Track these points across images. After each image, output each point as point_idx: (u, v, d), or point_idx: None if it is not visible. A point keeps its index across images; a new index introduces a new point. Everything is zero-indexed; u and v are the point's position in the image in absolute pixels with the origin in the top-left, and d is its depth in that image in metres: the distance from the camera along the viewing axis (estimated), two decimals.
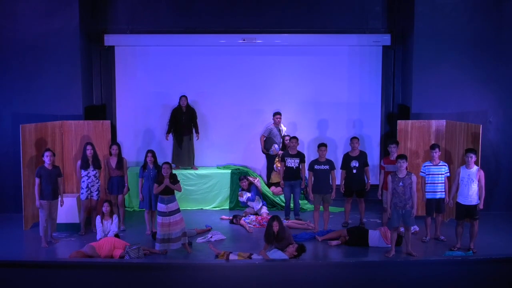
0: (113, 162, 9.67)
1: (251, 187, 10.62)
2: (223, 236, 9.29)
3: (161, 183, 8.37)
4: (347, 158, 9.78)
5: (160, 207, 8.33)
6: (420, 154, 10.25)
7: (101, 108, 11.87)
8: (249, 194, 10.50)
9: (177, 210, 8.40)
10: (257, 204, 10.56)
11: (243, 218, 10.10)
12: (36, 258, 8.17)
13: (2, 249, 8.68)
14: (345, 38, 11.83)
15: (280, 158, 10.50)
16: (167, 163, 8.58)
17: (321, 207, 9.56)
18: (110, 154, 9.78)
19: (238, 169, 11.46)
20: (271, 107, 11.66)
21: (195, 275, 6.31)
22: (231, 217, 10.31)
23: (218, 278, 6.30)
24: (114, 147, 9.71)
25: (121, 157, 9.79)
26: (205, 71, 11.91)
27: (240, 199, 10.76)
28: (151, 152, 9.44)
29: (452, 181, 8.79)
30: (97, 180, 9.59)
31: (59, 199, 9.04)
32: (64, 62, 10.81)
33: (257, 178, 11.10)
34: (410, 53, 11.14)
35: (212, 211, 11.06)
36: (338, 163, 10.13)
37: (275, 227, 8.05)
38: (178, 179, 8.63)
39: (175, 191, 8.46)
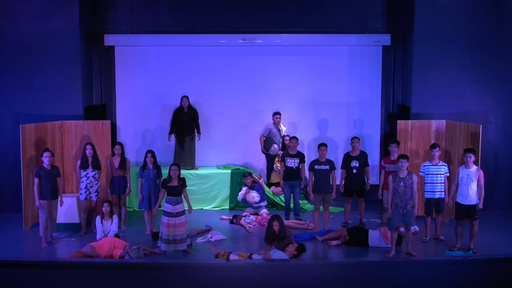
0: (116, 162, 9.67)
1: (255, 185, 10.63)
2: (223, 236, 9.29)
3: (167, 183, 8.38)
4: (347, 158, 9.78)
5: (167, 207, 8.32)
6: (420, 154, 10.25)
7: (101, 108, 11.88)
8: (256, 197, 10.46)
9: (183, 212, 8.41)
10: (264, 203, 10.60)
11: (243, 218, 10.10)
12: (36, 258, 8.16)
13: (2, 249, 8.67)
14: (345, 38, 11.84)
15: (280, 158, 10.50)
16: (175, 164, 8.60)
17: (321, 207, 9.56)
18: (113, 154, 9.80)
19: (238, 169, 11.46)
20: (271, 107, 11.66)
21: (195, 275, 6.31)
22: (231, 217, 10.31)
23: (218, 278, 6.30)
24: (117, 147, 9.72)
25: (124, 157, 9.80)
26: (205, 71, 11.92)
27: (239, 197, 10.73)
28: (151, 152, 9.44)
29: (451, 181, 8.79)
30: (96, 182, 9.59)
31: (59, 199, 9.04)
32: (64, 62, 10.81)
33: (261, 179, 11.09)
34: (410, 53, 11.14)
35: (212, 211, 11.07)
36: (338, 163, 10.14)
37: (276, 226, 8.04)
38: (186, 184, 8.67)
39: (182, 192, 8.50)
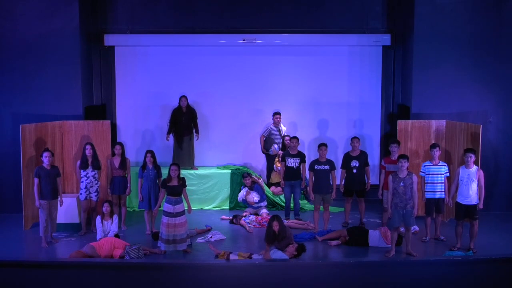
0: (116, 162, 9.67)
1: (254, 185, 10.63)
2: (223, 236, 9.29)
3: (167, 183, 8.38)
4: (347, 158, 9.78)
5: (167, 207, 8.32)
6: (420, 154, 10.25)
7: (101, 108, 11.88)
8: (256, 198, 10.46)
9: (183, 212, 8.41)
10: (264, 203, 10.61)
11: (243, 218, 10.10)
12: (36, 258, 8.16)
13: (2, 249, 8.67)
14: (345, 38, 11.84)
15: (280, 158, 10.50)
16: (175, 164, 8.60)
17: (321, 207, 9.56)
18: (113, 154, 9.80)
19: (238, 169, 11.46)
20: (271, 107, 11.66)
21: (195, 275, 6.32)
22: (231, 217, 10.31)
23: (218, 278, 6.30)
24: (118, 147, 9.72)
25: (124, 157, 9.80)
26: (205, 71, 11.92)
27: (240, 198, 10.75)
28: (150, 152, 9.44)
29: (451, 181, 8.79)
30: (96, 181, 9.58)
31: (59, 199, 9.04)
32: (64, 62, 10.81)
33: (261, 179, 11.09)
34: (410, 53, 11.14)
35: (212, 211, 11.07)
36: (339, 163, 10.14)
37: (276, 226, 8.04)
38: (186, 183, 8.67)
39: (182, 192, 8.49)
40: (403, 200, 8.20)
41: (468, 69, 10.87)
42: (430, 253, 8.57)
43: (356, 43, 11.84)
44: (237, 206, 11.14)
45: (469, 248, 8.44)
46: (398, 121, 10.46)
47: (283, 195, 10.39)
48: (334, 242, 8.85)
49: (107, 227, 9.03)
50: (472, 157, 8.31)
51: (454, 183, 8.54)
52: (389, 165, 9.34)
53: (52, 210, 8.92)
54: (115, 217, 9.18)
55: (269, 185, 11.41)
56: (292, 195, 10.12)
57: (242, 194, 10.68)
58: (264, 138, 11.44)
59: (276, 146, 11.29)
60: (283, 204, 10.61)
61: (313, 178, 9.47)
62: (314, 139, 11.87)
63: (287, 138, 11.00)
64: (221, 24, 11.83)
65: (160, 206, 8.95)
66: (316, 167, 9.44)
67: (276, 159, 11.30)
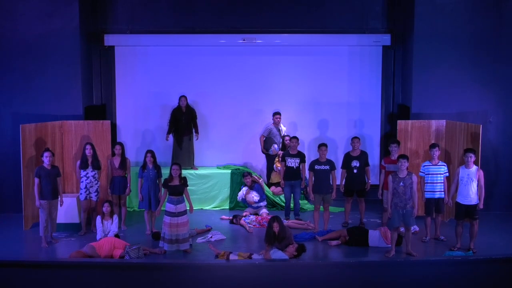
0: (116, 162, 9.68)
1: (254, 185, 10.63)
2: (223, 236, 9.29)
3: (169, 183, 8.39)
4: (348, 158, 9.78)
5: (169, 207, 8.33)
6: (420, 154, 10.26)
7: (101, 108, 11.88)
8: (256, 197, 10.45)
9: (185, 212, 8.42)
10: (264, 203, 10.61)
11: (243, 218, 10.10)
12: (36, 258, 8.17)
13: (2, 249, 8.67)
14: (345, 38, 11.84)
15: (280, 158, 10.51)
16: (176, 164, 8.62)
17: (321, 207, 9.56)
18: (113, 154, 9.81)
19: (238, 169, 11.46)
20: (271, 107, 11.66)
21: (195, 275, 6.32)
22: (231, 217, 10.31)
23: (218, 278, 6.31)
24: (118, 147, 9.72)
25: (124, 157, 9.80)
26: (205, 71, 11.92)
27: (239, 197, 10.74)
28: (151, 152, 9.44)
29: (451, 181, 8.79)
30: (96, 181, 9.58)
31: (59, 199, 9.04)
32: (64, 62, 10.81)
33: (261, 179, 11.09)
34: (410, 53, 11.15)
35: (212, 211, 11.07)
36: (339, 163, 10.15)
37: (276, 228, 8.04)
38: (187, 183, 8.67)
39: (183, 191, 8.50)
40: (403, 200, 8.20)
41: (468, 69, 10.88)
42: (430, 253, 8.57)
43: (356, 43, 11.84)
44: (237, 206, 11.14)
45: (469, 248, 8.44)
46: (398, 121, 10.46)
47: (283, 195, 10.39)
48: (334, 242, 8.85)
49: (107, 227, 9.03)
50: (472, 157, 8.31)
51: (454, 183, 8.54)
52: (389, 165, 9.34)
53: (52, 210, 8.92)
54: (115, 217, 9.18)
55: (269, 185, 11.42)
56: (292, 195, 10.12)
57: (242, 193, 10.68)
58: (264, 138, 11.44)
59: (276, 146, 11.29)
60: (283, 204, 10.61)
61: (313, 178, 9.47)
62: (314, 139, 11.87)
63: (287, 138, 11.00)
64: (221, 24, 11.83)
65: (162, 206, 8.97)
66: (316, 167, 9.44)
67: (276, 159, 11.30)
